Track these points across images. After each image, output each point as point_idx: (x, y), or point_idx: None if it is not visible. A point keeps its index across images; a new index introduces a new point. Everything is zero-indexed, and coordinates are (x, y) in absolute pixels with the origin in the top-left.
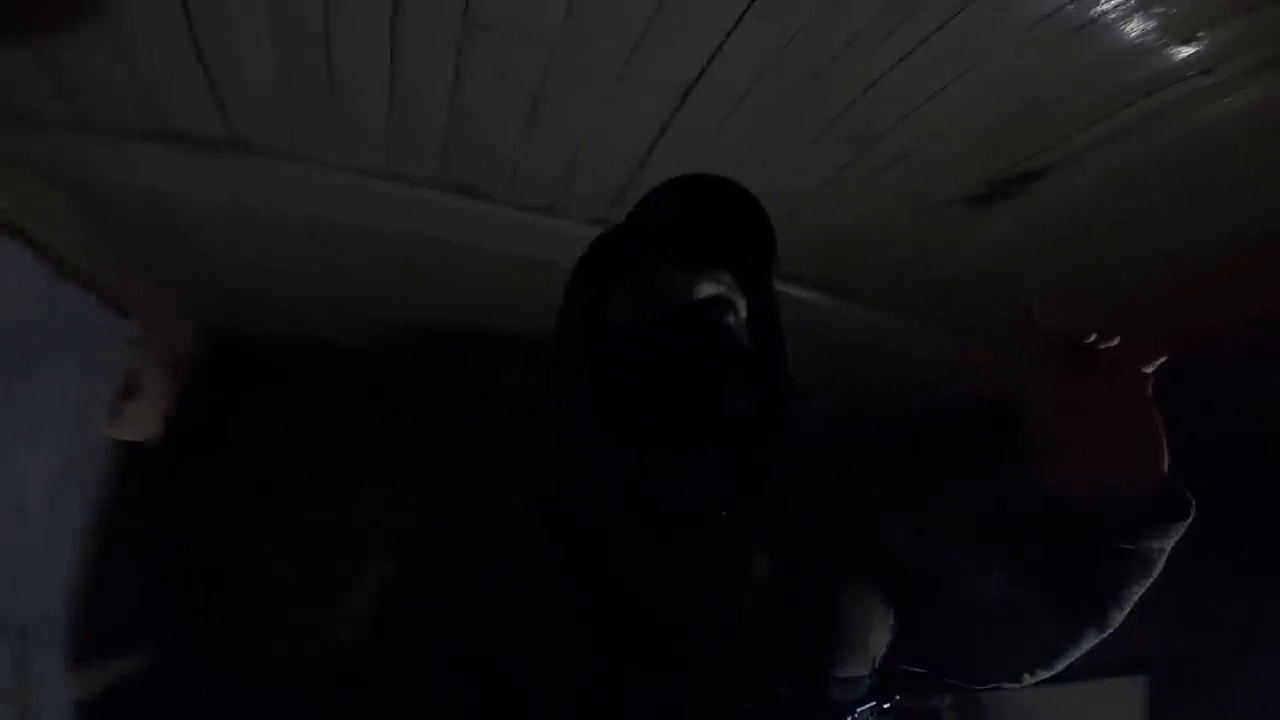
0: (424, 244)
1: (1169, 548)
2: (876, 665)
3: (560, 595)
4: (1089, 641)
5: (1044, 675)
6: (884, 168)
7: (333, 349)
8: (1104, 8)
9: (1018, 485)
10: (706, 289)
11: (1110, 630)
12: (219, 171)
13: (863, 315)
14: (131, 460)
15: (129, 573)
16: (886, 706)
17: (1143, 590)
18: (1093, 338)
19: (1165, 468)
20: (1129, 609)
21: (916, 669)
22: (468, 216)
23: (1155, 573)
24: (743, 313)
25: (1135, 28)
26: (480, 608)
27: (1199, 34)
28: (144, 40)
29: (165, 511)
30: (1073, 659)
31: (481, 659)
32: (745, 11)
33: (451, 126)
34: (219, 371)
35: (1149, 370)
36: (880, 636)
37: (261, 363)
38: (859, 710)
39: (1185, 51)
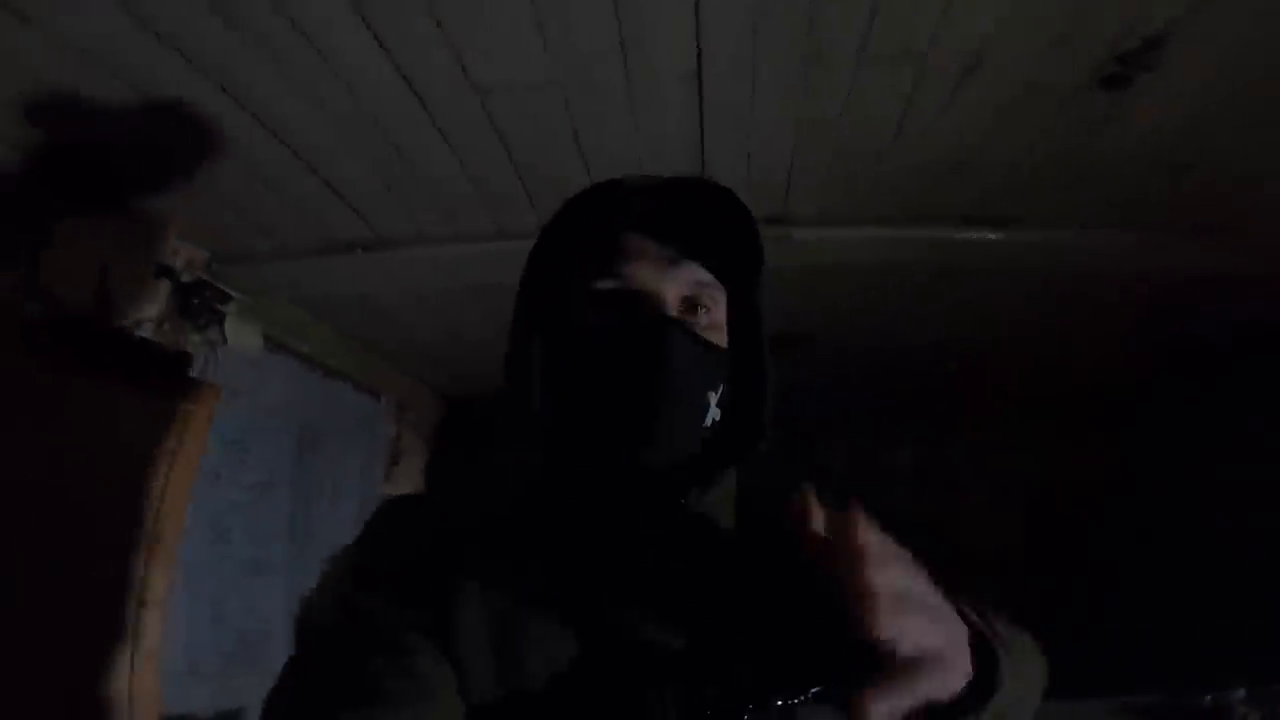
0: None
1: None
2: None
3: (526, 580)
4: None
5: None
6: (958, 82)
7: None
8: None
9: None
10: (678, 291)
11: None
12: (379, 266)
13: (1030, 238)
14: None
15: None
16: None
17: None
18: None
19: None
20: None
21: None
22: None
23: None
24: (721, 314)
25: None
26: (443, 591)
27: None
28: (276, 174)
29: None
30: None
31: (440, 642)
32: None
33: (522, 178)
34: (458, 431)
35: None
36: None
37: (484, 420)
38: (813, 690)
39: None
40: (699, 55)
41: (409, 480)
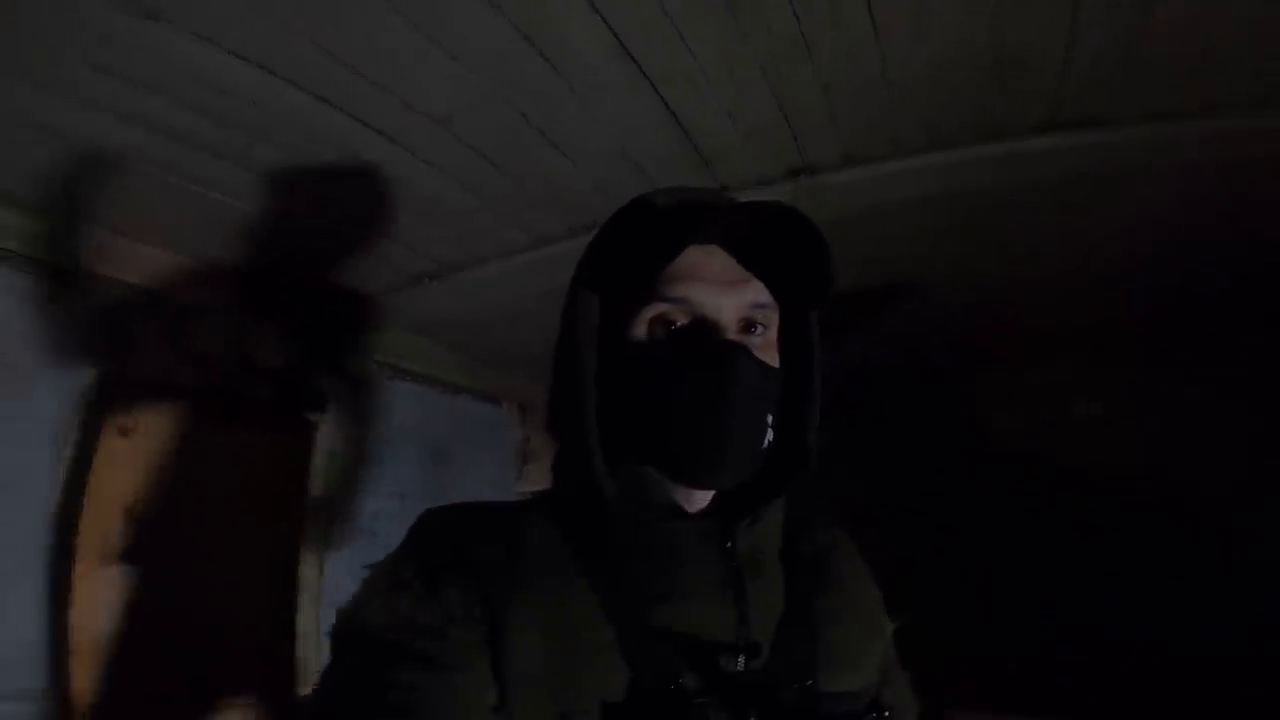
0: None
1: None
2: (872, 680)
3: (579, 603)
4: None
5: None
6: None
7: None
8: None
9: None
10: (737, 313)
11: None
12: (451, 291)
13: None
14: None
15: None
16: (888, 714)
17: None
18: None
19: None
20: None
21: None
22: None
23: None
24: (774, 333)
25: None
26: (493, 609)
27: None
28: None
29: None
30: None
31: (487, 660)
32: None
33: (523, 189)
34: None
35: None
36: (877, 660)
37: None
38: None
39: None
40: (617, 37)
41: (541, 480)
